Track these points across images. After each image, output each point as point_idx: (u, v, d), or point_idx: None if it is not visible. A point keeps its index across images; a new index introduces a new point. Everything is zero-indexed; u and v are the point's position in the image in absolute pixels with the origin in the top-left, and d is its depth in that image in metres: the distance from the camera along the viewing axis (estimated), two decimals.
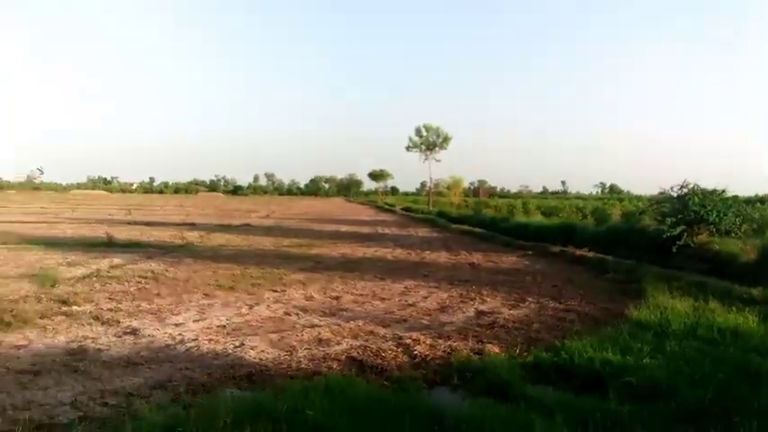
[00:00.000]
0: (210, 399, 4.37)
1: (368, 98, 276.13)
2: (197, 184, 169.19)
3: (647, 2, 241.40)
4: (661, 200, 15.97)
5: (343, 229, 28.13)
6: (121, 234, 19.38)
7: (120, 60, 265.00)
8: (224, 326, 7.13)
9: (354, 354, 6.00)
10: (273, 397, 4.32)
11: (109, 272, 11.22)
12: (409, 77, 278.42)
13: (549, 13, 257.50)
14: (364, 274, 12.15)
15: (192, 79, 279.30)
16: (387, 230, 27.85)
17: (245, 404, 4.12)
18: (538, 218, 26.29)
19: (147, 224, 26.68)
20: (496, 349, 6.18)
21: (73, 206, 46.09)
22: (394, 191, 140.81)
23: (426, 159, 59.48)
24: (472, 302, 9.13)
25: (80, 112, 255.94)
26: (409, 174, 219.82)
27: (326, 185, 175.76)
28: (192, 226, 26.31)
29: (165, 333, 6.67)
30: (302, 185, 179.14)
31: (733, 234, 13.65)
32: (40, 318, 7.17)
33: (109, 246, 15.94)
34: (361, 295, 9.58)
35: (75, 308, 7.83)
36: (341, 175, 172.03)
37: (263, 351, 6.02)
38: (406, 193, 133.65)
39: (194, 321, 7.33)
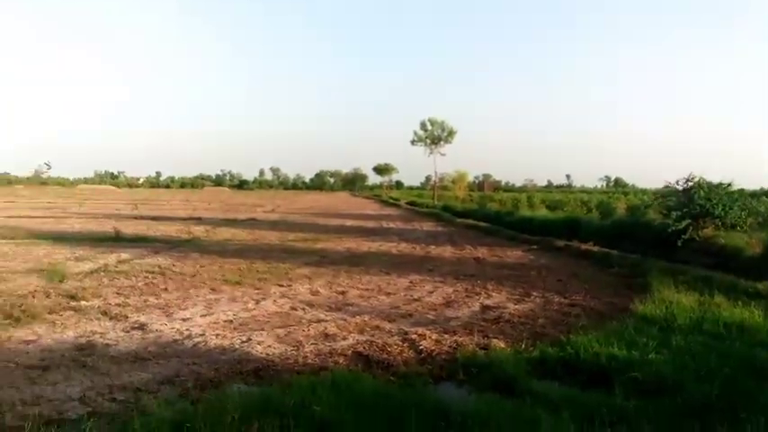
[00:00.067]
0: (218, 394, 4.40)
1: (373, 93, 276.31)
2: (203, 178, 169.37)
3: None
4: (666, 193, 15.91)
5: (348, 223, 28.16)
6: (128, 229, 19.48)
7: (128, 55, 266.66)
8: (231, 321, 7.18)
9: (360, 349, 6.03)
10: (281, 392, 4.34)
11: (116, 267, 11.30)
12: (415, 73, 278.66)
13: (550, 7, 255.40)
14: (369, 268, 12.18)
15: (198, 74, 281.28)
16: (392, 225, 27.86)
17: (252, 399, 4.15)
18: (542, 212, 26.26)
19: (154, 219, 26.78)
20: (502, 344, 6.19)
21: (80, 201, 46.26)
22: (399, 185, 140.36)
23: (431, 153, 59.50)
24: (477, 297, 9.14)
25: (87, 107, 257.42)
26: (414, 168, 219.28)
27: (331, 180, 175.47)
28: (199, 220, 26.41)
29: (173, 328, 6.72)
30: (307, 180, 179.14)
31: (738, 228, 13.59)
32: (49, 313, 7.23)
33: (116, 240, 16.05)
34: (367, 290, 9.61)
35: (83, 303, 7.90)
36: (346, 169, 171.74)
37: (269, 346, 6.06)
38: (411, 188, 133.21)
39: (201, 316, 7.38)
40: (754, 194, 21.78)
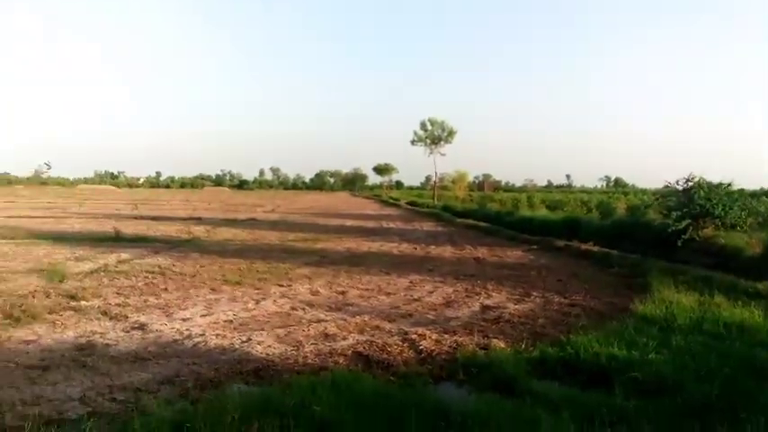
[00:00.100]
0: (218, 394, 4.40)
1: (373, 93, 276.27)
2: (203, 178, 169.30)
3: None
4: (666, 193, 15.92)
5: (348, 223, 28.16)
6: (128, 229, 19.49)
7: (128, 55, 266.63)
8: (231, 321, 7.18)
9: (360, 349, 6.03)
10: (281, 392, 4.35)
11: (116, 267, 11.30)
12: (415, 73, 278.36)
13: (550, 7, 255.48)
14: (369, 268, 12.18)
15: (198, 74, 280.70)
16: (392, 225, 27.87)
17: (252, 399, 4.15)
18: (542, 212, 26.27)
19: (154, 219, 26.78)
20: (502, 344, 6.19)
21: (80, 201, 46.26)
22: (399, 185, 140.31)
23: (431, 153, 59.60)
24: (477, 297, 9.14)
25: (87, 107, 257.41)
26: (414, 168, 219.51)
27: (331, 180, 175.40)
28: (199, 220, 26.41)
29: (173, 328, 6.72)
30: (307, 180, 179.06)
31: (738, 228, 13.59)
32: (49, 313, 7.23)
33: (116, 240, 16.05)
34: (367, 290, 9.61)
35: (83, 303, 7.90)
36: (346, 169, 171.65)
37: (269, 346, 6.06)
38: (411, 188, 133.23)
39: (201, 316, 7.38)
40: (754, 194, 21.80)
